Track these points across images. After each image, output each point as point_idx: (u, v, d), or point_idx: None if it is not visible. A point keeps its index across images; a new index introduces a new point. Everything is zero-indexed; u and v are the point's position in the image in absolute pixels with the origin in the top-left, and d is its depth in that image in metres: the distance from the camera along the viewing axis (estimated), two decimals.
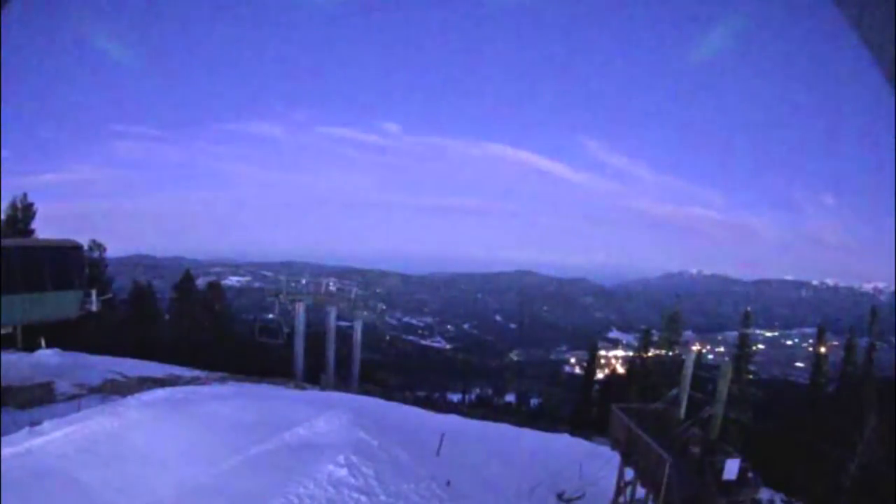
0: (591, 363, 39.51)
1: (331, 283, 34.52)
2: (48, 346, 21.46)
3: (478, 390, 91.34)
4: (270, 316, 27.75)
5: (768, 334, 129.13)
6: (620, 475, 13.52)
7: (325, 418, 12.88)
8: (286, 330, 28.03)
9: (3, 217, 26.73)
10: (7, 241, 19.12)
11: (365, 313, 35.35)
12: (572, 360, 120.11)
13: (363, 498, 9.92)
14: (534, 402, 78.09)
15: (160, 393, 13.90)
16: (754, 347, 28.11)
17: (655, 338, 33.01)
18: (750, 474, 11.70)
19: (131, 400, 13.73)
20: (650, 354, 32.61)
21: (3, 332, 19.13)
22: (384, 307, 38.63)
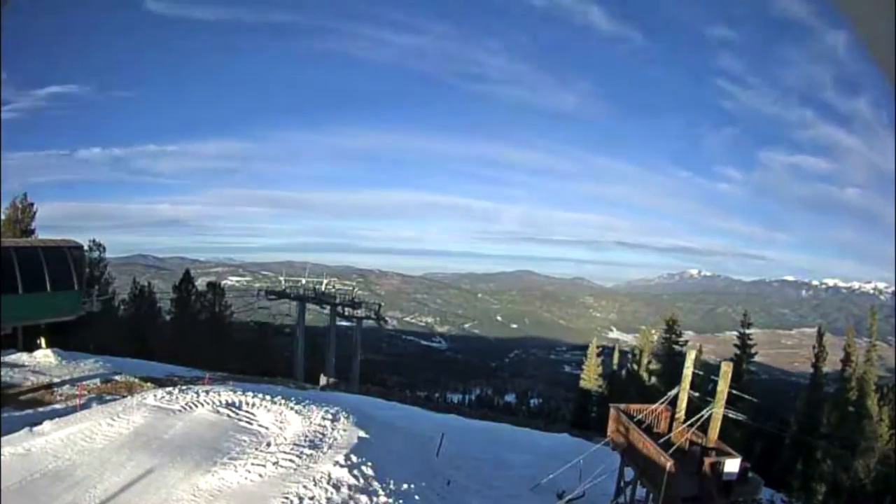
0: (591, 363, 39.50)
1: (331, 283, 34.53)
2: (48, 346, 21.44)
3: (478, 390, 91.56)
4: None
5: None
6: (620, 475, 13.52)
7: (325, 418, 12.89)
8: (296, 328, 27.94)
9: (2, 217, 26.72)
10: (7, 241, 19.12)
11: (370, 315, 35.41)
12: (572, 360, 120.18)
13: (363, 498, 9.91)
14: (534, 401, 78.28)
15: (160, 393, 13.89)
16: (754, 347, 28.01)
17: (655, 338, 32.97)
18: (750, 474, 11.70)
19: (131, 400, 13.73)
20: (650, 354, 32.57)
21: (3, 332, 19.12)
22: (382, 304, 38.95)
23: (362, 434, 12.21)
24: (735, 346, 28.16)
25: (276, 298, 32.88)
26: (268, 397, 13.88)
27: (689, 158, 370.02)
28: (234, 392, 14.11)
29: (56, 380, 17.76)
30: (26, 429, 11.96)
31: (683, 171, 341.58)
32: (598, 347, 35.34)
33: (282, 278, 33.48)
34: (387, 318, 41.48)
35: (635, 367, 32.94)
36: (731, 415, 12.37)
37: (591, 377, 34.43)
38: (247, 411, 13.21)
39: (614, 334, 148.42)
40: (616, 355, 37.37)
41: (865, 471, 21.36)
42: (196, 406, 13.16)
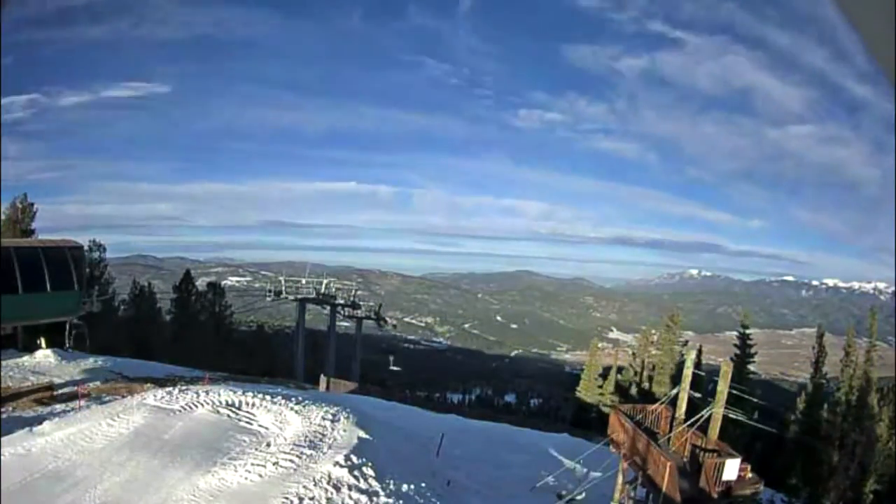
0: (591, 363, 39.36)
1: (331, 283, 34.57)
2: (48, 346, 21.45)
3: (478, 390, 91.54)
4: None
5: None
6: (621, 475, 13.52)
7: (325, 418, 12.89)
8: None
9: (2, 217, 26.72)
10: (7, 241, 19.12)
11: (370, 315, 35.43)
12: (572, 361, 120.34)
13: (363, 498, 9.92)
14: (533, 402, 78.27)
15: (160, 393, 13.89)
16: (754, 347, 28.00)
17: (655, 338, 32.93)
18: (750, 474, 11.70)
19: (131, 400, 13.73)
20: (650, 355, 32.55)
21: (3, 332, 19.11)
22: (382, 304, 39.52)
23: (362, 434, 12.21)
24: (735, 346, 28.16)
25: (275, 299, 32.93)
26: (268, 397, 13.88)
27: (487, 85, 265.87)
28: (234, 392, 14.10)
29: (56, 380, 17.76)
30: (26, 429, 11.96)
31: (511, 119, 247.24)
32: (599, 371, 34.51)
33: (282, 278, 33.47)
34: (387, 318, 41.45)
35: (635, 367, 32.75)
36: (732, 415, 12.37)
37: (590, 385, 33.82)
38: (247, 411, 13.21)
39: (614, 334, 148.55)
40: (614, 374, 35.25)
41: (865, 471, 21.36)
42: (196, 406, 13.16)
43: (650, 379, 31.05)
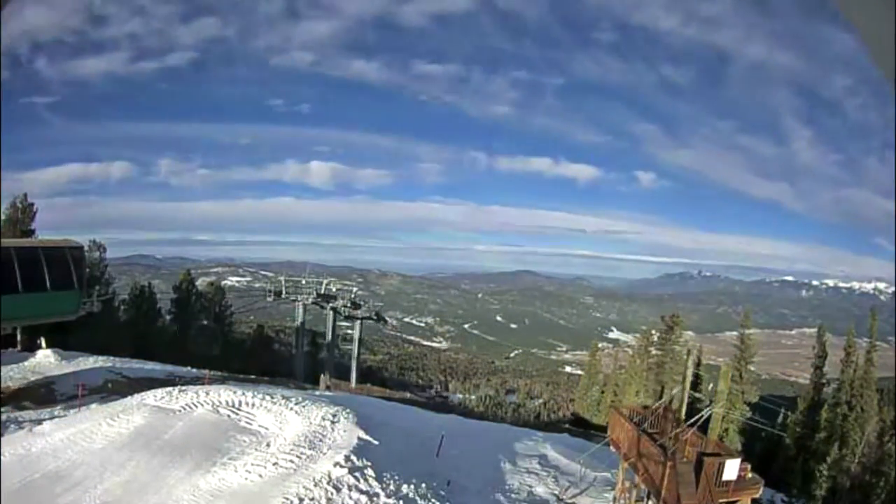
0: (592, 363, 39.40)
1: (331, 284, 34.59)
2: (48, 346, 21.44)
3: (478, 391, 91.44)
4: None
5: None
6: (620, 475, 13.51)
7: (325, 419, 12.88)
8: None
9: (2, 217, 26.70)
10: (6, 242, 19.10)
11: (370, 315, 35.47)
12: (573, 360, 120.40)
13: (363, 498, 9.92)
14: (534, 402, 78.21)
15: (160, 393, 13.89)
16: (754, 348, 27.93)
17: (655, 338, 32.88)
18: (750, 474, 11.68)
19: (131, 400, 13.73)
20: (650, 355, 32.50)
21: (3, 332, 19.11)
22: (382, 304, 39.72)
23: (362, 435, 12.21)
24: (735, 346, 28.12)
25: (276, 299, 32.97)
26: (268, 397, 13.88)
27: None
28: (234, 392, 14.10)
29: (56, 380, 17.77)
30: (26, 429, 11.97)
31: None
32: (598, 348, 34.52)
33: (282, 278, 33.49)
34: (387, 319, 41.49)
35: (635, 367, 32.61)
36: (733, 415, 12.36)
37: (589, 388, 33.46)
38: (247, 411, 13.21)
39: (614, 334, 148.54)
40: (612, 384, 33.45)
41: (866, 471, 21.35)
42: (196, 406, 13.17)
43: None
